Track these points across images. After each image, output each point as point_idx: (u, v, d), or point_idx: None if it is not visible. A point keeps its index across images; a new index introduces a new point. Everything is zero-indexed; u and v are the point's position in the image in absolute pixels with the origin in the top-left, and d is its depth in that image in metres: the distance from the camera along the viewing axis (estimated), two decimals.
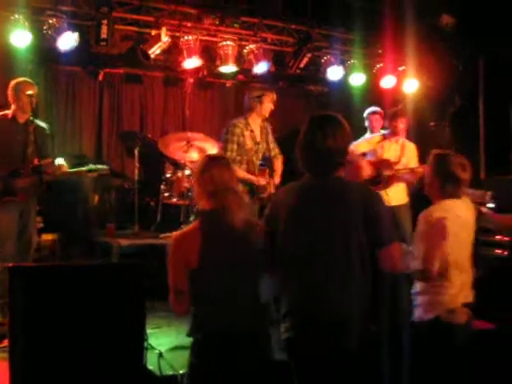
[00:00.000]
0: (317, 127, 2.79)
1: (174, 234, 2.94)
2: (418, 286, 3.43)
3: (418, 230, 3.41)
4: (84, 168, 5.38)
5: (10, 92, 5.21)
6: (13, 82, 5.24)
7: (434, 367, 3.17)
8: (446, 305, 3.30)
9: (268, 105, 5.75)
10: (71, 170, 5.38)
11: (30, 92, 5.08)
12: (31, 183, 5.10)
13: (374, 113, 6.92)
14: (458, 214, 3.38)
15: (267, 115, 5.82)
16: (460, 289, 3.35)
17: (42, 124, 5.40)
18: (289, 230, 2.77)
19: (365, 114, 6.93)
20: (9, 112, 5.21)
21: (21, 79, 5.26)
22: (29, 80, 5.28)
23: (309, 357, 2.72)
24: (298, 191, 2.85)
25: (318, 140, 2.73)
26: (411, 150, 6.23)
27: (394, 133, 6.21)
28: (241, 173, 5.54)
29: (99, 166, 5.45)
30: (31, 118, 5.14)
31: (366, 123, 6.88)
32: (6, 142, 5.10)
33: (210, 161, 3.00)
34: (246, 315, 2.82)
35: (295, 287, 2.77)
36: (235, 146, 5.62)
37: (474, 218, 3.47)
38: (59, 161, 5.26)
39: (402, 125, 6.17)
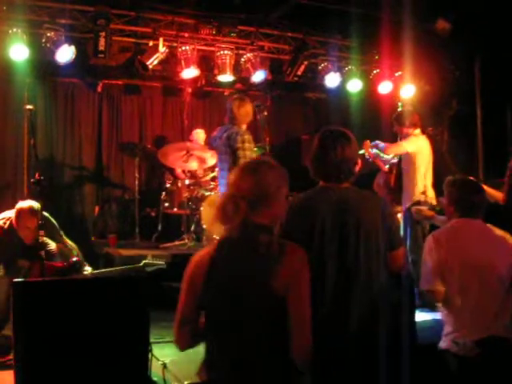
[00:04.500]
0: (329, 140, 2.93)
1: None
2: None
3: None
4: (140, 264, 5.25)
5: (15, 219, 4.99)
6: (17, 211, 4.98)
7: None
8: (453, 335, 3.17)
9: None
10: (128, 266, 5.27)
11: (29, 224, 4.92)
12: None
13: None
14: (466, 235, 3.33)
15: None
16: (471, 318, 3.14)
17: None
18: (311, 238, 2.80)
19: None
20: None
21: (25, 209, 4.92)
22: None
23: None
24: (315, 199, 2.91)
25: (330, 151, 2.89)
26: None
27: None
28: None
29: (156, 261, 5.27)
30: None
31: None
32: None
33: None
34: None
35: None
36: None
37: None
38: (88, 269, 5.07)
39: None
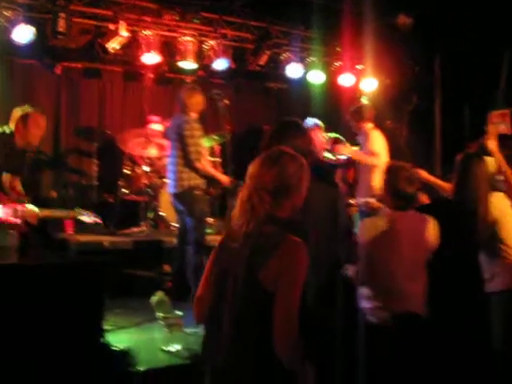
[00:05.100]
0: (284, 130, 3.07)
1: None
2: None
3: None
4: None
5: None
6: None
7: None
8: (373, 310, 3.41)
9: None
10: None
11: None
12: None
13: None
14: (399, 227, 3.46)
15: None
16: (392, 298, 3.38)
17: None
18: None
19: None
20: None
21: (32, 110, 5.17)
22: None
23: None
24: None
25: (286, 142, 2.97)
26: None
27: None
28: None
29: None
30: None
31: None
32: None
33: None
34: None
35: None
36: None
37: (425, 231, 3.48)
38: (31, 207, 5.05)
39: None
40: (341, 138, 6.65)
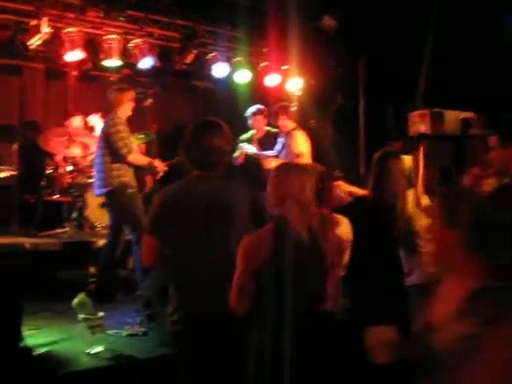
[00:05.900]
0: (199, 129, 3.10)
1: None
2: None
3: None
4: None
5: None
6: None
7: None
8: None
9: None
10: None
11: None
12: None
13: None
14: None
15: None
16: None
17: None
18: (180, 226, 2.98)
19: (247, 114, 6.87)
20: None
21: None
22: None
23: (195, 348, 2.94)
24: (186, 189, 3.08)
25: (204, 140, 3.03)
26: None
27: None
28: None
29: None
30: None
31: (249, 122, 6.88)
32: None
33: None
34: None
35: (185, 283, 3.01)
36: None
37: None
38: None
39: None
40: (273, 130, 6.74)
